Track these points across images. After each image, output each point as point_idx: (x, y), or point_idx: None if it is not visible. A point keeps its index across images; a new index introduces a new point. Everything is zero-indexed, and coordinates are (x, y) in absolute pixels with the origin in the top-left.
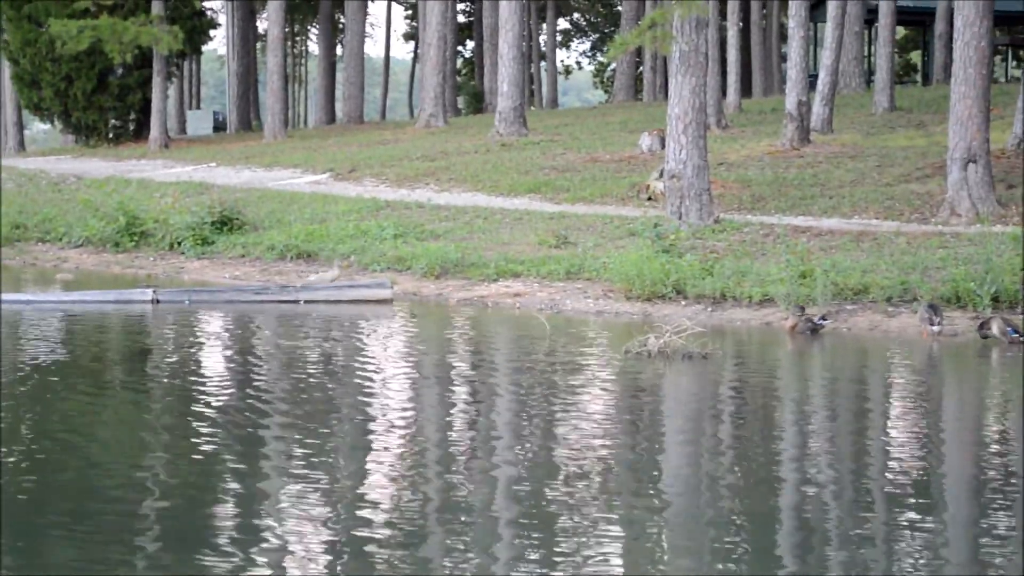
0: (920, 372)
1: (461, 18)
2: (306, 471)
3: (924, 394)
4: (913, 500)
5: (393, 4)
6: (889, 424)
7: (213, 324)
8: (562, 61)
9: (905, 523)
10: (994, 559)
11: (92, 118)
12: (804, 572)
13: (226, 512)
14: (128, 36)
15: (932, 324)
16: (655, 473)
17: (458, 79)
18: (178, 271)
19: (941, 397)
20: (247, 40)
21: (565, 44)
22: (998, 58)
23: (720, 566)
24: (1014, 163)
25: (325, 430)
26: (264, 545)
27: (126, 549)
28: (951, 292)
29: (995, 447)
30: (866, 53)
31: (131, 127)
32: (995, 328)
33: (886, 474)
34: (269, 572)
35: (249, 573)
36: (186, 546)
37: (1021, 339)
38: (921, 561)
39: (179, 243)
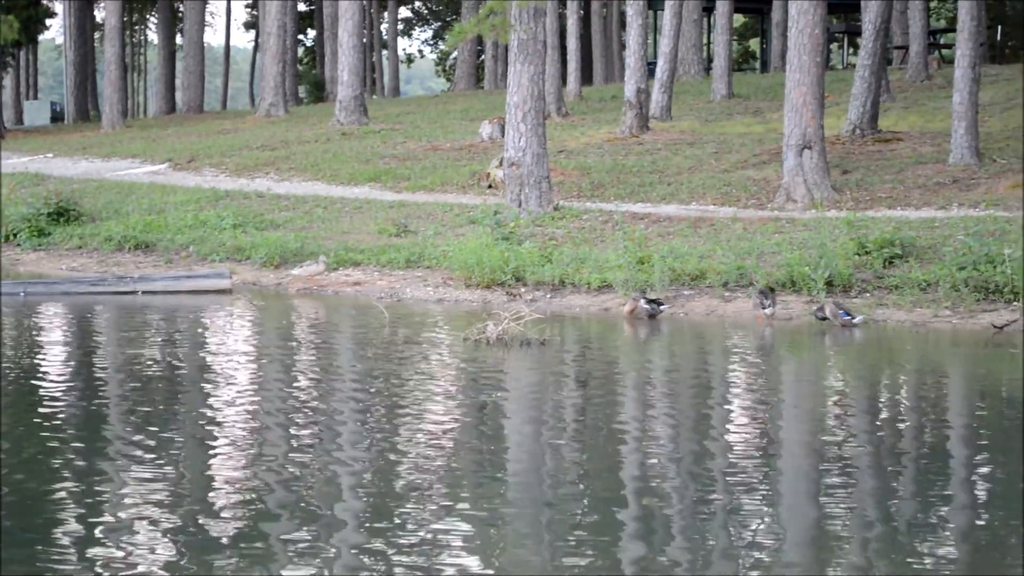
0: (753, 354)
1: (302, 7)
2: (148, 464)
3: (758, 376)
4: (753, 477)
5: None
6: (725, 405)
7: (49, 317)
8: (404, 49)
9: (746, 500)
10: (835, 532)
11: None
12: (647, 553)
13: (68, 506)
14: None
15: (764, 308)
16: (497, 461)
17: (299, 68)
18: (13, 263)
19: (777, 378)
20: (84, 29)
21: (407, 32)
22: (835, 45)
23: (564, 552)
24: (849, 149)
25: (164, 422)
26: (106, 541)
27: None
28: (786, 276)
29: (832, 424)
30: (705, 41)
31: None
32: (828, 311)
33: (728, 448)
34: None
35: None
36: (28, 542)
37: (853, 321)
38: (762, 536)
39: (14, 235)
